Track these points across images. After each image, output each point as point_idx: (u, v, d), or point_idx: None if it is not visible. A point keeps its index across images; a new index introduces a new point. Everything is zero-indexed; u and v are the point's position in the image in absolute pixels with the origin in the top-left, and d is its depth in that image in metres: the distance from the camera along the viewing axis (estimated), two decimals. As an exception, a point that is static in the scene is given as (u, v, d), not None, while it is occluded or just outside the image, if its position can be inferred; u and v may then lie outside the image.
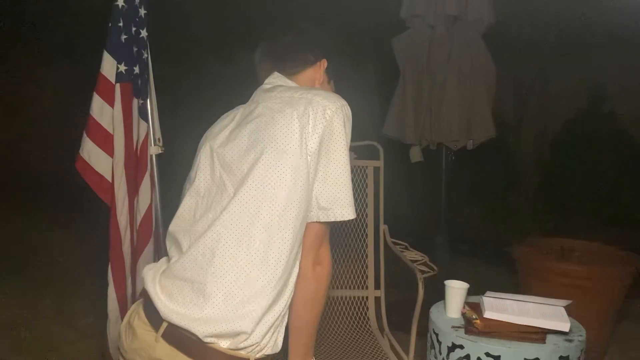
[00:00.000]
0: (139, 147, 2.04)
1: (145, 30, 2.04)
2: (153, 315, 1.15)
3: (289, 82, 1.33)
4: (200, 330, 1.10)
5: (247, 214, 1.14)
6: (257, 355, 1.14)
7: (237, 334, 1.11)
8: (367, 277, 2.26)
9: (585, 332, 1.75)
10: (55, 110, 5.65)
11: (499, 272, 3.43)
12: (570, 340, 1.68)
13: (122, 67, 1.95)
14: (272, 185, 1.14)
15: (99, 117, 1.94)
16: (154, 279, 1.18)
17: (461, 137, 2.99)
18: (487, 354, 1.62)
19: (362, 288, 2.26)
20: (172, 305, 1.13)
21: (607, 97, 4.48)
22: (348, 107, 1.23)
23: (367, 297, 2.26)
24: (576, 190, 4.40)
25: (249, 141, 1.19)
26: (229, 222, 1.14)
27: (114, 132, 1.94)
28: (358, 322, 2.22)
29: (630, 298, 2.82)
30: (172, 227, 1.24)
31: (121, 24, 1.95)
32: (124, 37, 1.96)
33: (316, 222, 1.21)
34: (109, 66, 1.95)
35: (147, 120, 2.06)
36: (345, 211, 1.22)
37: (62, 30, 5.30)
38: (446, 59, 2.96)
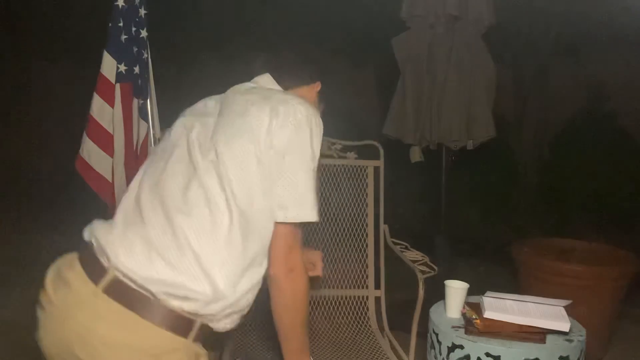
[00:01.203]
0: (139, 147, 2.05)
1: (145, 30, 2.04)
2: (93, 269, 1.13)
3: (276, 86, 1.37)
4: (154, 287, 1.09)
5: (209, 185, 1.16)
6: (205, 322, 1.13)
7: (190, 298, 1.10)
8: (367, 277, 2.26)
9: (585, 332, 1.75)
10: (55, 110, 5.65)
11: (499, 272, 3.42)
12: (570, 340, 1.68)
13: (122, 67, 1.96)
14: (234, 165, 1.17)
15: (99, 117, 1.94)
16: (109, 232, 1.17)
17: (461, 137, 3.00)
18: (487, 354, 1.62)
19: (362, 288, 2.26)
20: (126, 260, 1.11)
21: (607, 97, 4.48)
22: (321, 120, 1.27)
23: (367, 297, 2.26)
24: (576, 190, 4.40)
25: (221, 124, 1.23)
26: (194, 191, 1.16)
27: (114, 132, 1.94)
28: (358, 322, 2.22)
29: (630, 298, 2.82)
30: (136, 187, 1.24)
31: (121, 24, 1.96)
32: (124, 37, 1.96)
33: (282, 223, 1.21)
34: (109, 66, 1.95)
35: (147, 120, 2.07)
36: (306, 213, 1.22)
37: (62, 30, 5.30)
38: (446, 59, 2.96)
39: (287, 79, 1.39)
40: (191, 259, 1.11)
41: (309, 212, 1.23)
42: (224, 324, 1.19)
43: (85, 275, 1.14)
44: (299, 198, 1.21)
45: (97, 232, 1.17)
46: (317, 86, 1.46)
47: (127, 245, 1.14)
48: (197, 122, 1.27)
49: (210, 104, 1.31)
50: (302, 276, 1.29)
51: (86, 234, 1.20)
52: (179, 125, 1.29)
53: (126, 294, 1.10)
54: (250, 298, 1.20)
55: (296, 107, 1.23)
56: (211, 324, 1.16)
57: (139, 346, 1.10)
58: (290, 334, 1.32)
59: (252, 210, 1.17)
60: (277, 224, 1.23)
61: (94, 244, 1.17)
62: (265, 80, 1.38)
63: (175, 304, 1.10)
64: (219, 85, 1.38)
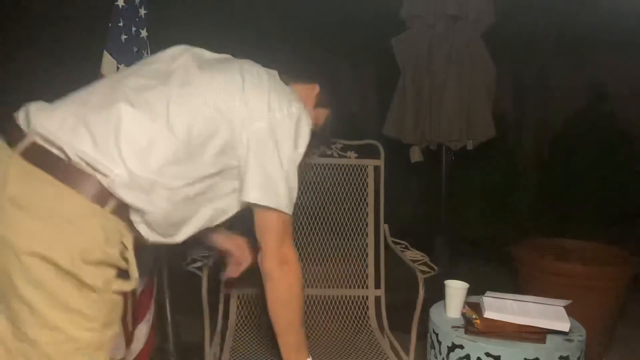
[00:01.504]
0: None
1: (145, 30, 2.04)
2: (13, 136, 1.11)
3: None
4: (72, 152, 1.07)
5: (169, 97, 1.17)
6: (114, 189, 1.09)
7: (106, 175, 1.08)
8: (367, 277, 2.27)
9: (585, 332, 1.75)
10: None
11: (499, 272, 3.42)
12: (570, 340, 1.68)
13: (122, 67, 1.95)
14: (199, 103, 1.19)
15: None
16: (43, 107, 1.15)
17: (461, 137, 3.00)
18: (487, 354, 1.62)
19: (362, 287, 2.27)
20: (50, 125, 1.09)
21: (607, 97, 4.48)
22: (310, 121, 1.31)
23: (367, 297, 2.26)
24: (576, 190, 4.40)
25: (217, 69, 1.28)
26: (153, 94, 1.18)
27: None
28: (358, 322, 2.22)
29: (630, 298, 2.82)
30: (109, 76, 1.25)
31: (121, 24, 1.96)
32: (124, 37, 1.96)
33: (267, 214, 1.24)
34: (109, 66, 1.95)
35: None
36: (281, 201, 1.25)
37: (62, 30, 5.30)
38: (446, 59, 2.96)
39: (284, 71, 1.40)
40: (114, 141, 1.09)
41: (282, 201, 1.24)
42: (144, 228, 1.16)
43: (2, 141, 1.12)
44: (271, 185, 1.23)
45: (30, 106, 1.15)
46: (315, 88, 1.47)
47: (57, 116, 1.12)
48: (187, 53, 1.31)
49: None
50: (296, 269, 1.30)
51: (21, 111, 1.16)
52: (168, 53, 1.32)
53: (42, 157, 1.07)
54: (166, 207, 1.16)
55: (291, 100, 1.27)
56: (132, 218, 1.14)
57: (51, 208, 1.05)
58: (287, 328, 1.32)
59: (192, 144, 1.17)
60: (261, 213, 1.25)
61: (22, 115, 1.14)
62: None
63: (92, 172, 1.08)
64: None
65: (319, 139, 1.53)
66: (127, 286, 1.13)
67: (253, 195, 1.23)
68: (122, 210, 1.11)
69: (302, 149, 1.29)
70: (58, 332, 1.05)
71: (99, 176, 1.08)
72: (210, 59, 1.34)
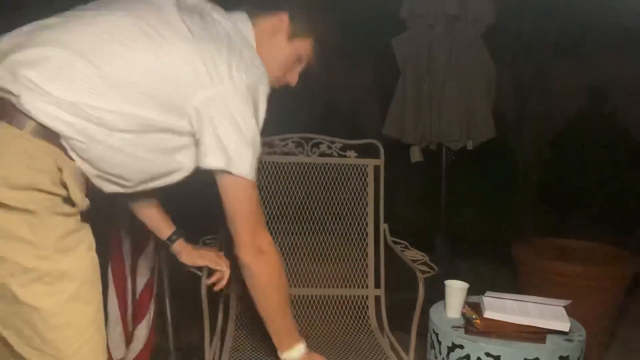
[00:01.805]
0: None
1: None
2: None
3: (248, 24, 1.32)
4: None
5: (119, 27, 1.14)
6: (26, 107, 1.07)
7: (15, 92, 1.07)
8: (367, 276, 2.26)
9: (585, 332, 1.75)
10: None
11: (499, 272, 3.42)
12: (570, 340, 1.68)
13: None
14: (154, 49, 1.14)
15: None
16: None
17: (461, 137, 3.00)
18: (487, 354, 1.62)
19: (362, 287, 2.26)
20: None
21: (607, 97, 4.48)
22: (268, 83, 1.24)
23: (367, 296, 2.26)
24: (576, 190, 4.40)
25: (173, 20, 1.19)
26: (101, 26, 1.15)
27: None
28: (358, 322, 2.21)
29: (630, 298, 2.82)
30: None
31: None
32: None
33: (226, 178, 1.21)
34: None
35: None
36: (241, 166, 1.21)
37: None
38: (446, 59, 2.96)
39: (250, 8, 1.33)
40: (24, 62, 1.08)
41: (243, 167, 1.21)
42: (86, 167, 1.14)
43: None
44: (229, 150, 1.19)
45: None
46: (282, 19, 1.34)
47: None
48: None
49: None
50: (274, 258, 1.27)
51: None
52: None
53: None
54: (92, 140, 1.12)
55: (248, 63, 1.20)
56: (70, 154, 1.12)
57: None
58: (272, 315, 1.31)
59: (128, 82, 1.13)
60: (223, 182, 1.22)
61: None
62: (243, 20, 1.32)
63: (2, 94, 1.07)
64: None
65: (312, 69, 1.44)
66: (70, 210, 1.10)
67: (210, 160, 1.19)
68: (47, 134, 1.08)
69: (262, 112, 1.24)
70: (7, 263, 1.03)
71: (11, 98, 1.07)
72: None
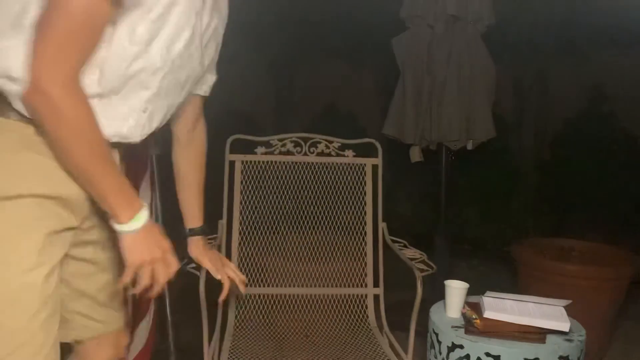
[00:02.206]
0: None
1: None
2: None
3: None
4: None
5: None
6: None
7: None
8: (365, 275, 2.26)
9: (585, 332, 1.74)
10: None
11: (499, 272, 3.42)
12: (570, 340, 1.68)
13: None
14: None
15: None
16: None
17: (461, 137, 2.99)
18: (487, 354, 1.62)
19: (361, 286, 2.26)
20: None
21: (607, 97, 4.48)
22: None
23: (365, 295, 2.26)
24: (576, 190, 4.40)
25: None
26: None
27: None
28: (357, 321, 2.21)
29: (630, 298, 2.82)
30: None
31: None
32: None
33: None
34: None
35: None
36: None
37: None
38: (446, 59, 2.96)
39: None
40: None
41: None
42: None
43: None
44: None
45: None
46: None
47: None
48: None
49: None
50: (81, 91, 0.97)
51: None
52: None
53: None
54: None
55: None
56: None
57: None
58: (92, 169, 0.99)
59: None
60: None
61: None
62: None
63: None
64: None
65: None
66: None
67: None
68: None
69: None
70: None
71: None
72: None
